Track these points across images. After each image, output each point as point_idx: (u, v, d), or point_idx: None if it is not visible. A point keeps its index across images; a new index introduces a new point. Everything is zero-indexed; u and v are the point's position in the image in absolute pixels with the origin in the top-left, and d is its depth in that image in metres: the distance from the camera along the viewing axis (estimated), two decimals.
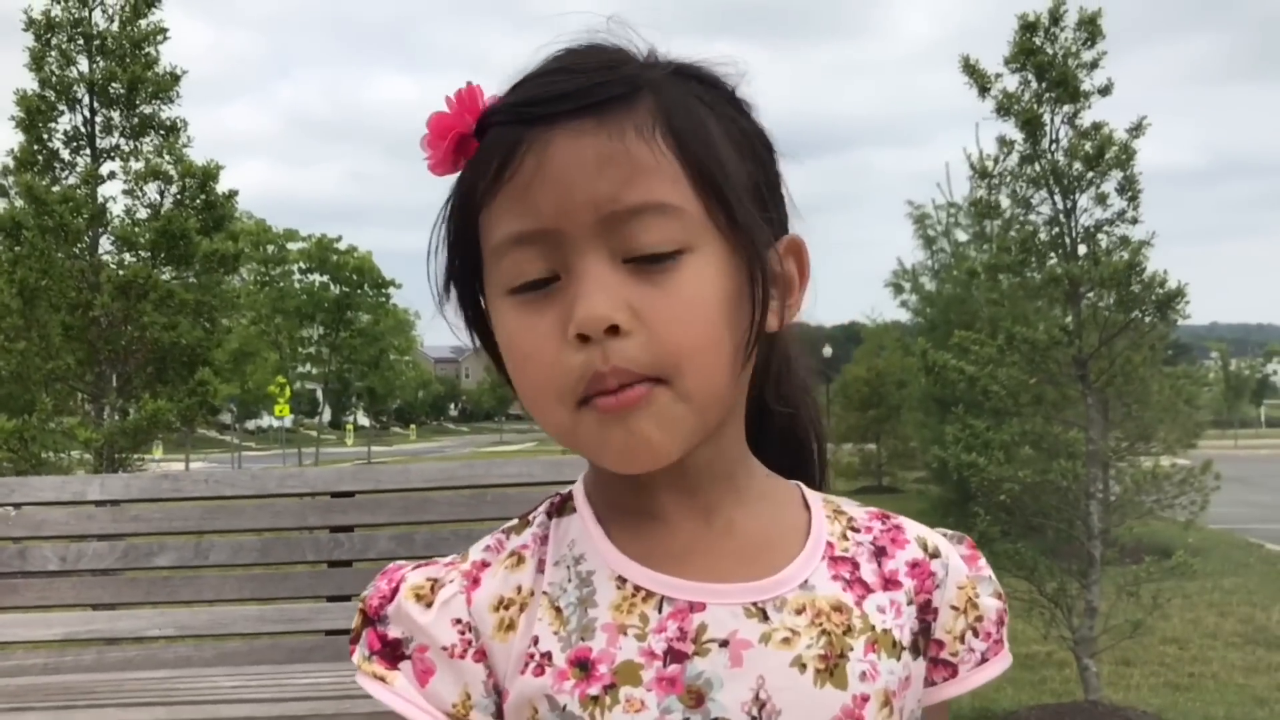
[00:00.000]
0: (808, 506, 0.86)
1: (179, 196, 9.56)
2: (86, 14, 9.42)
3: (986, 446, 5.63)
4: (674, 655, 0.76)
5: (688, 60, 0.80)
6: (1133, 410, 5.95)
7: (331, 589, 3.80)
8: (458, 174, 0.79)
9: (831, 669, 0.78)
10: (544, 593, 0.80)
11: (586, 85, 0.74)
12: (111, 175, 9.56)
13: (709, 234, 0.74)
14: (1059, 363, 5.63)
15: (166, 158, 9.54)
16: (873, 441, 18.71)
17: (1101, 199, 5.66)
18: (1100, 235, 5.68)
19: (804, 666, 0.77)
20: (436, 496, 3.92)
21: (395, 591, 0.81)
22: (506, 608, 0.80)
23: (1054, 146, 5.75)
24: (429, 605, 0.80)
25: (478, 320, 0.83)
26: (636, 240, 0.73)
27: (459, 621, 0.79)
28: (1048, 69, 5.71)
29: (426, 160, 0.79)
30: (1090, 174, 5.62)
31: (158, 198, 9.57)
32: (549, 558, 0.81)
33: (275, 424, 47.87)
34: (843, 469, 18.65)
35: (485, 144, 0.76)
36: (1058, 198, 5.75)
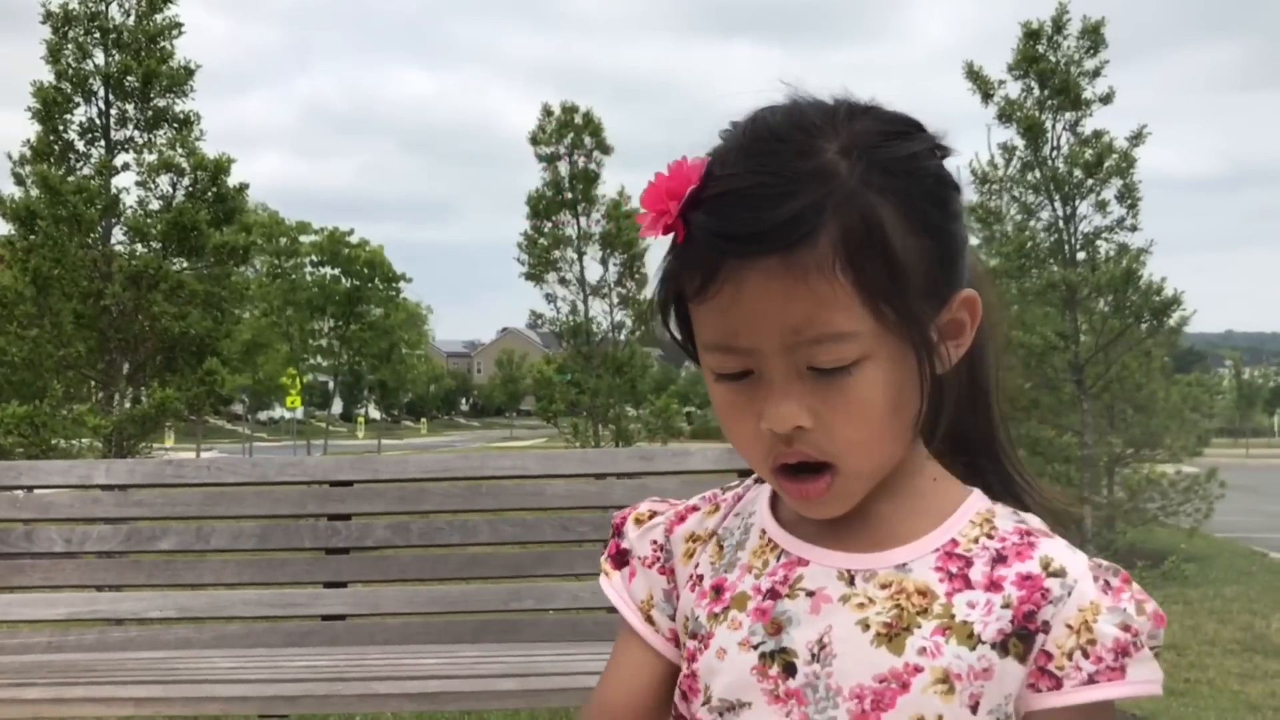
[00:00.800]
0: (958, 512, 0.95)
1: (191, 189, 9.67)
2: (103, 8, 9.54)
3: None
4: (772, 593, 0.95)
5: (877, 133, 0.88)
6: (1134, 416, 5.99)
7: (328, 575, 3.88)
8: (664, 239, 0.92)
9: (892, 636, 0.90)
10: (717, 534, 1.02)
11: (775, 225, 0.84)
12: (125, 167, 9.69)
13: (883, 341, 0.87)
14: (1056, 368, 5.67)
15: (179, 150, 9.65)
16: None
17: (1101, 206, 5.71)
18: (1099, 242, 5.73)
19: (867, 627, 0.91)
20: (433, 487, 3.99)
21: (629, 516, 1.08)
22: (694, 540, 1.03)
23: (1055, 153, 5.80)
24: (640, 526, 1.06)
25: (690, 341, 0.96)
26: (816, 359, 0.87)
27: (655, 544, 1.05)
28: (1050, 76, 5.76)
29: (640, 227, 0.91)
30: (1090, 181, 5.66)
31: (170, 190, 9.69)
32: (734, 511, 1.04)
33: (287, 415, 48.04)
34: None
35: (689, 254, 0.88)
36: (1058, 204, 5.80)
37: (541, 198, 12.15)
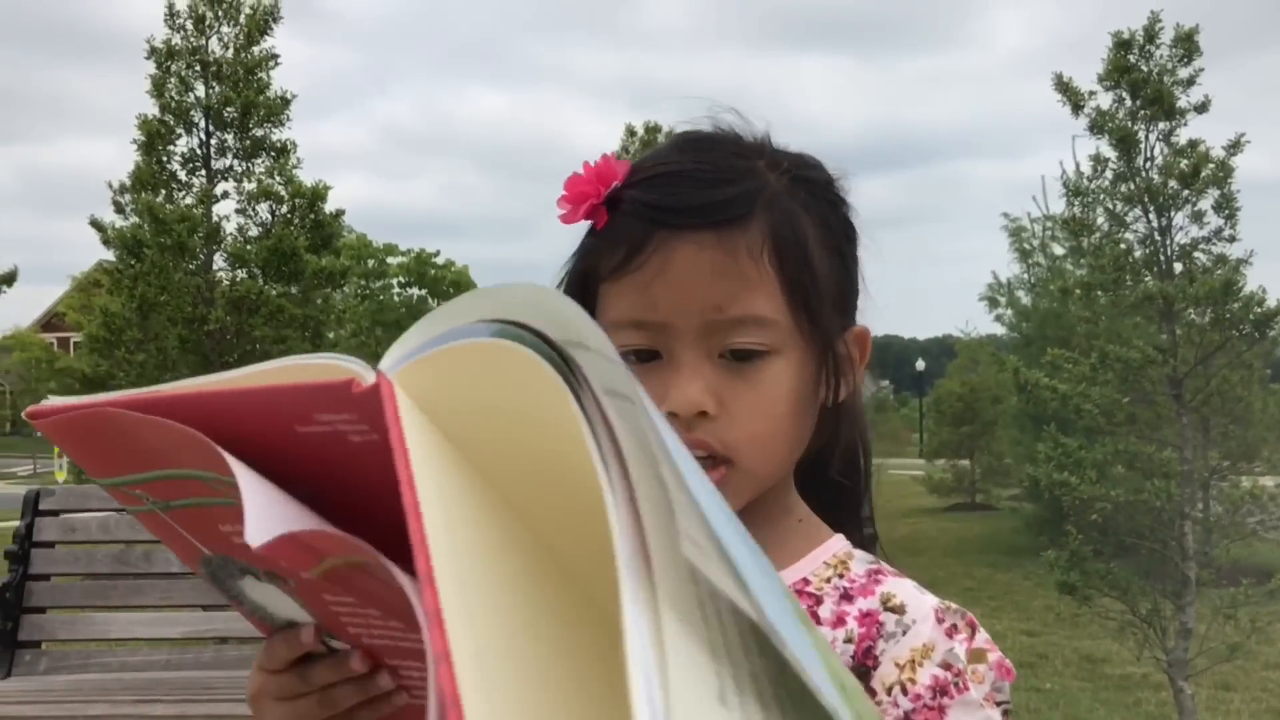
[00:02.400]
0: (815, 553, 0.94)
1: (288, 216, 9.97)
2: (204, 42, 9.89)
3: (1078, 465, 5.60)
4: None
5: (800, 160, 0.93)
6: (1232, 430, 5.87)
7: None
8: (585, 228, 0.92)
9: None
10: None
11: (712, 201, 0.86)
12: (225, 195, 10.02)
13: (794, 340, 0.88)
14: (1153, 381, 5.58)
15: (277, 178, 9.97)
16: (966, 457, 18.42)
17: (1197, 217, 5.61)
18: (1196, 253, 5.63)
19: None
20: None
21: None
22: None
23: (1149, 164, 5.72)
24: None
25: None
26: (733, 341, 0.86)
27: None
28: (1142, 86, 5.68)
29: (560, 213, 0.91)
30: (1186, 192, 5.57)
31: (268, 217, 10.01)
32: None
33: None
34: (935, 485, 18.41)
35: (616, 228, 0.89)
36: (1152, 215, 5.71)
37: None
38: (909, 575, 0.96)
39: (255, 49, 9.91)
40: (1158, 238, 5.73)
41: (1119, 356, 5.50)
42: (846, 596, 0.92)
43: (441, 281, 39.80)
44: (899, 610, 0.91)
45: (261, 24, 9.90)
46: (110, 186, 10.16)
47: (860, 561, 0.96)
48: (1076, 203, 6.30)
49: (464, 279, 40.11)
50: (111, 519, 4.49)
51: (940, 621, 0.91)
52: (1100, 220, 6.27)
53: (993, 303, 16.02)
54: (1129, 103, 5.77)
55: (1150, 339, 5.80)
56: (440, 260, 40.06)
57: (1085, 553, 5.56)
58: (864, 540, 1.01)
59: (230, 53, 9.89)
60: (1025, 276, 15.35)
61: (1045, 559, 5.82)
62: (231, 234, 9.97)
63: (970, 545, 13.73)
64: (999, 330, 17.25)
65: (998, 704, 0.90)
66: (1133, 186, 5.73)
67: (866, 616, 0.91)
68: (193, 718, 3.48)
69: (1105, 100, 5.85)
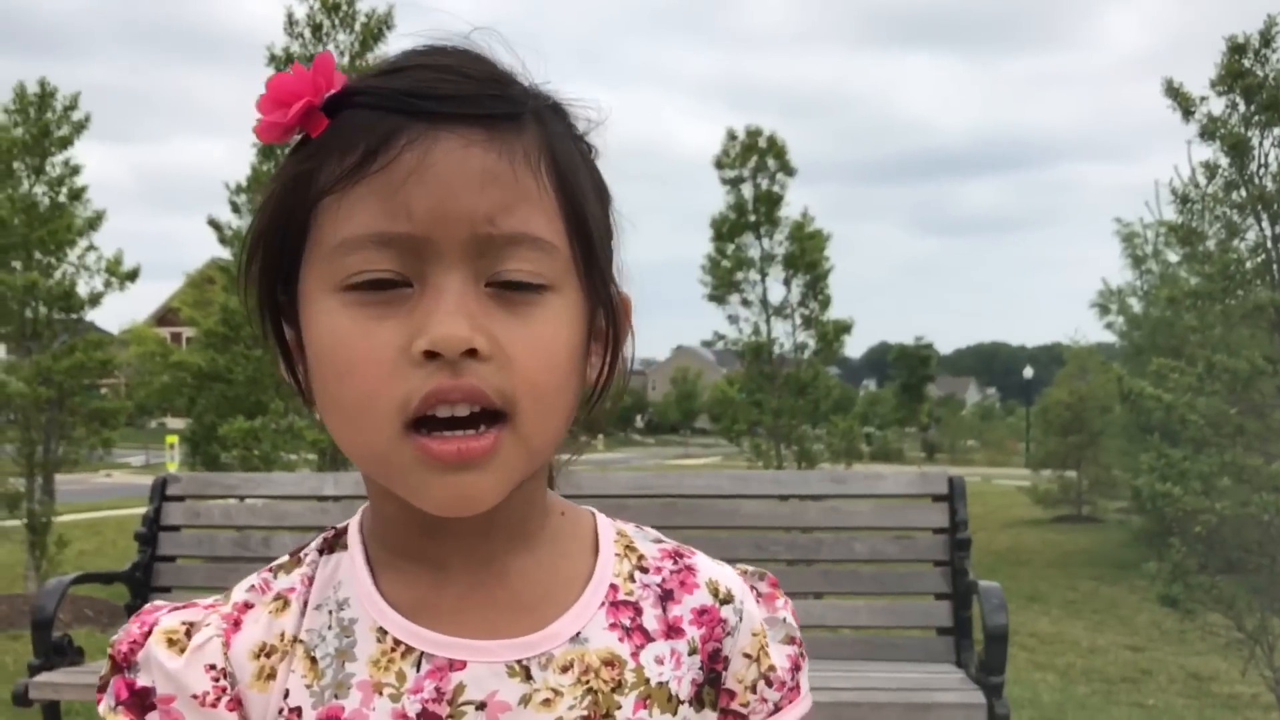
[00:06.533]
0: (598, 547, 0.80)
1: None
2: (321, 50, 10.25)
3: (1182, 476, 5.51)
4: (428, 718, 0.71)
5: (560, 97, 0.76)
6: None
7: None
8: (291, 146, 0.73)
9: None
10: (300, 640, 0.74)
11: (479, 94, 0.70)
12: None
13: (571, 278, 0.72)
14: (1263, 393, 5.46)
15: None
16: (1073, 468, 18.04)
17: None
18: None
19: None
20: (632, 504, 4.20)
21: (147, 636, 0.75)
22: (268, 655, 0.74)
23: (1262, 171, 5.59)
24: (181, 651, 0.74)
25: (272, 308, 0.76)
26: (506, 266, 0.69)
27: (213, 668, 0.73)
28: (1257, 91, 5.57)
29: (258, 121, 0.71)
30: None
31: None
32: (311, 600, 0.76)
33: None
34: (1040, 496, 18.06)
35: (345, 125, 0.70)
36: (1265, 224, 5.59)
37: (725, 220, 12.31)
38: (699, 548, 0.85)
39: (370, 56, 10.23)
40: (1270, 246, 5.60)
41: (1226, 367, 5.40)
42: (666, 595, 0.79)
43: None
44: (730, 599, 0.81)
45: (376, 31, 10.22)
46: (227, 187, 10.58)
47: (637, 537, 0.83)
48: (1185, 210, 6.18)
49: None
50: (232, 506, 4.73)
51: (756, 594, 0.83)
52: (1212, 228, 6.14)
53: (1103, 310, 15.69)
54: (1242, 108, 5.65)
55: (1262, 350, 5.67)
56: None
57: (1189, 566, 5.47)
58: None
59: (345, 59, 10.23)
60: (1137, 283, 15.01)
61: (1146, 571, 5.73)
62: None
63: (1074, 558, 13.47)
64: (1109, 338, 16.89)
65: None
66: (1245, 194, 5.61)
67: (704, 615, 0.79)
68: None
69: (1218, 105, 5.75)
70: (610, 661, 0.74)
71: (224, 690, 0.73)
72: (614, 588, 0.78)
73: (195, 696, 0.72)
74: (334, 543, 0.79)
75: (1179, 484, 5.47)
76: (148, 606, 0.79)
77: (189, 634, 0.74)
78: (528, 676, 0.72)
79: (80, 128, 9.57)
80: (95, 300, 9.51)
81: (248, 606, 0.76)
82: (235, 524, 4.54)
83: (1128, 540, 13.30)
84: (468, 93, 0.69)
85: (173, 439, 19.17)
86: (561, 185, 0.71)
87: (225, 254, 10.79)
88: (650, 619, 0.77)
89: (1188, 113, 5.80)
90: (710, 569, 0.82)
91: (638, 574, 0.79)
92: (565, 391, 0.71)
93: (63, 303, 9.22)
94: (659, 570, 0.80)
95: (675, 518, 4.12)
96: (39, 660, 3.78)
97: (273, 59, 10.22)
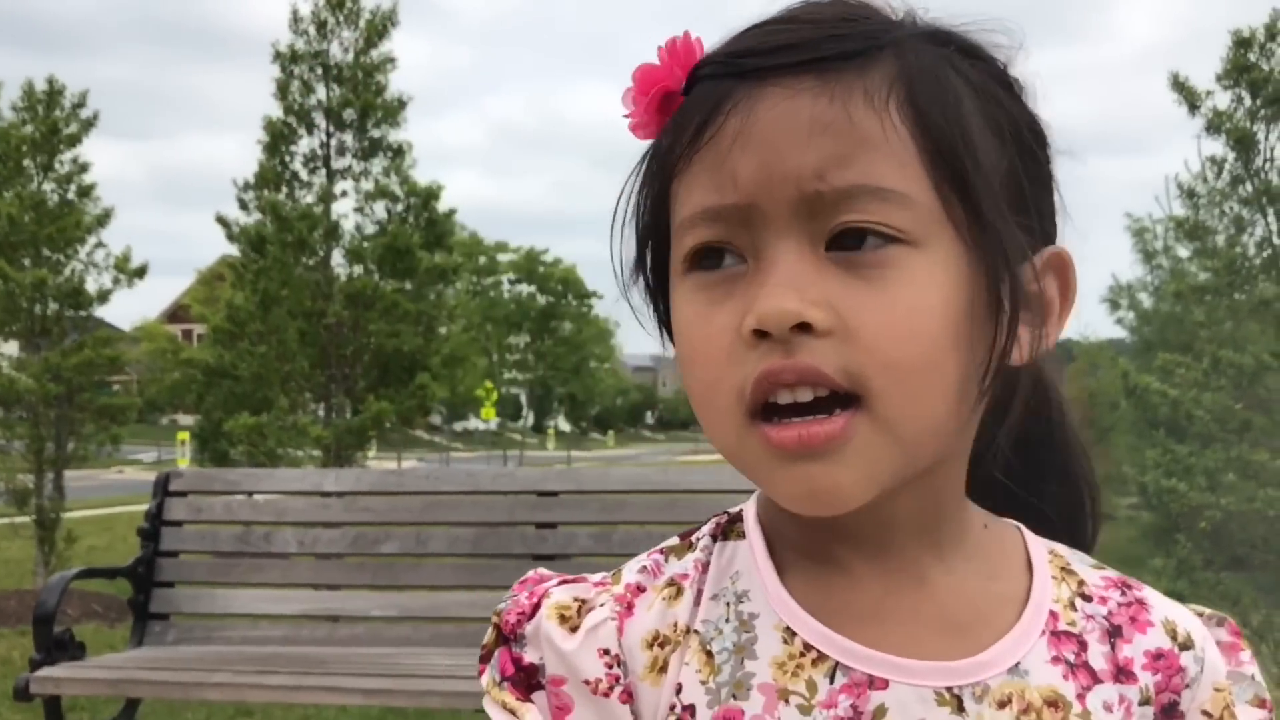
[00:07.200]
0: (1031, 566, 0.70)
1: (403, 214, 10.31)
2: (325, 46, 10.26)
3: (1188, 472, 5.49)
4: None
5: (951, 25, 0.66)
6: None
7: None
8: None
9: None
10: (695, 631, 0.67)
11: (815, 37, 0.62)
12: (343, 194, 10.40)
13: (943, 232, 0.61)
14: (1269, 388, 5.44)
15: (393, 178, 10.32)
16: None
17: None
18: None
19: None
20: (633, 499, 4.20)
21: (536, 608, 0.68)
22: (661, 645, 0.66)
23: (1268, 165, 5.57)
24: (574, 629, 0.67)
25: (667, 313, 0.70)
26: (842, 218, 0.60)
27: (607, 653, 0.66)
28: (1263, 86, 5.54)
29: (628, 120, 0.68)
30: None
31: (384, 215, 10.38)
32: (707, 589, 0.68)
33: (481, 426, 49.86)
34: None
35: (689, 101, 0.65)
36: (1271, 218, 5.56)
37: None
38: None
39: (374, 52, 10.25)
40: (1276, 241, 5.58)
41: (1232, 362, 5.37)
42: (1114, 632, 0.68)
43: (550, 278, 40.44)
44: (1190, 645, 0.69)
45: (380, 28, 10.23)
46: (235, 184, 10.61)
47: (1076, 560, 0.72)
48: (1191, 205, 6.15)
49: (572, 276, 40.66)
50: (235, 501, 4.74)
51: (1217, 641, 0.71)
52: (1220, 222, 6.12)
53: (1113, 305, 15.63)
54: (1248, 102, 5.63)
55: (1268, 345, 5.65)
56: (549, 258, 40.62)
57: (1195, 562, 5.45)
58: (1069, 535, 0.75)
59: (350, 56, 10.24)
60: (1148, 279, 14.94)
61: (1152, 567, 5.72)
62: (349, 231, 10.35)
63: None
64: (1120, 334, 16.82)
65: None
66: (1250, 189, 5.59)
67: (1159, 660, 0.68)
68: (308, 689, 3.68)
69: (1223, 100, 5.72)
70: (1054, 702, 0.64)
71: (617, 679, 0.66)
72: (1054, 615, 0.67)
73: (588, 682, 0.66)
74: (728, 529, 0.71)
75: (1184, 480, 5.45)
76: (533, 574, 0.72)
77: (581, 612, 0.67)
78: (960, 708, 0.63)
79: (89, 125, 9.60)
80: (104, 297, 9.54)
81: (640, 590, 0.68)
82: (238, 519, 4.55)
83: (1136, 536, 13.23)
84: (803, 39, 0.62)
85: (184, 435, 19.25)
86: (921, 123, 0.60)
87: (234, 250, 10.84)
88: (1097, 656, 0.67)
89: (1193, 107, 5.77)
90: (1165, 606, 0.71)
91: (1079, 601, 0.69)
92: (940, 368, 0.60)
93: (72, 299, 9.25)
94: (1104, 600, 0.69)
95: (677, 513, 4.12)
96: (40, 655, 3.80)
97: (278, 56, 10.24)
